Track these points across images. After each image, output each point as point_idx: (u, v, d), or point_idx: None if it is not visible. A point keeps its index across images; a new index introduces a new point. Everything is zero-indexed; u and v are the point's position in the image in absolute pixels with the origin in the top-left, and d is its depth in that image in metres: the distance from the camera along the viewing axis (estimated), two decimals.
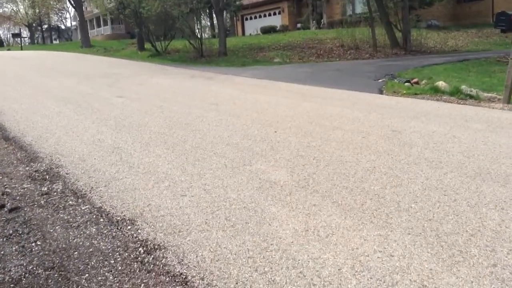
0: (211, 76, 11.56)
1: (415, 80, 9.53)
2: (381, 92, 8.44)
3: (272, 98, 7.76)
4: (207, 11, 28.18)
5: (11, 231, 2.95)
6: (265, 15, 34.89)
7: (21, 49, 32.41)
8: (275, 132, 5.25)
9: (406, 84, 9.18)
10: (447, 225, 2.74)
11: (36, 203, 3.44)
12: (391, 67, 12.08)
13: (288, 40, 21.39)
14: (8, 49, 37.19)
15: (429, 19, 22.41)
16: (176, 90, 9.05)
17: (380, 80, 10.02)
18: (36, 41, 63.13)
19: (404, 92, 8.12)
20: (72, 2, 36.68)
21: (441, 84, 8.09)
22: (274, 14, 33.93)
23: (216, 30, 22.70)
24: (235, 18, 37.08)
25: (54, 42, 66.58)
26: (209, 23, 34.36)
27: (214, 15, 26.72)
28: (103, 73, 12.67)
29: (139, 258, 2.52)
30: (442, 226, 2.72)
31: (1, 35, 67.83)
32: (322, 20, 28.88)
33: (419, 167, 3.82)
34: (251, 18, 36.22)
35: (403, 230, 2.69)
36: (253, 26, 34.85)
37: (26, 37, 59.45)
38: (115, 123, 5.92)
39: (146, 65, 16.04)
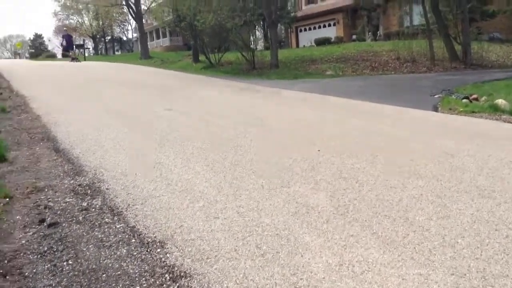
0: (260, 89, 11.55)
1: (474, 96, 9.03)
2: (436, 109, 8.05)
3: (319, 113, 7.60)
4: (261, 23, 28.37)
5: (46, 248, 2.99)
6: (319, 27, 34.68)
7: (84, 60, 34.09)
8: (318, 151, 5.09)
9: (464, 100, 8.71)
10: (495, 265, 2.48)
11: (74, 218, 3.49)
12: (449, 82, 11.54)
13: (342, 52, 21.09)
14: (72, 59, 39.19)
15: (491, 31, 21.29)
16: (224, 103, 9.09)
17: (436, 96, 9.58)
18: (99, 51, 66.31)
19: (461, 109, 7.69)
20: (133, 15, 38.20)
21: (501, 102, 7.59)
22: (329, 25, 33.64)
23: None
24: (289, 29, 37.15)
25: (116, 53, 69.61)
26: (262, 35, 34.62)
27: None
28: (157, 84, 13.00)
29: (164, 286, 2.46)
30: (489, 267, 2.47)
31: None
32: (378, 32, 28.28)
33: (469, 196, 3.54)
34: (305, 30, 36.14)
35: (446, 270, 2.46)
36: (307, 38, 34.73)
37: (89, 48, 62.55)
38: (160, 137, 5.99)
39: (198, 77, 16.32)
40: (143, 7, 36.48)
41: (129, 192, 3.90)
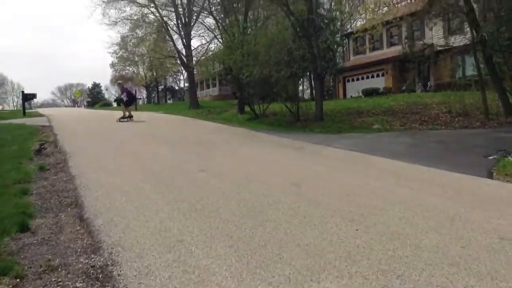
0: (301, 146, 11.16)
1: None
2: (490, 175, 7.32)
3: (361, 179, 7.07)
4: (308, 74, 28.40)
5: None
6: (367, 77, 34.39)
7: (136, 110, 35.21)
8: (357, 230, 4.57)
9: None
10: None
11: None
12: (504, 140, 10.68)
13: (390, 104, 20.51)
14: None
15: None
16: (261, 163, 8.75)
17: (490, 157, 8.80)
18: (152, 100, 68.98)
19: None
20: (184, 67, 39.57)
21: None
22: (377, 76, 33.30)
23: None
24: (336, 80, 37.04)
25: (168, 101, 72.18)
26: (309, 86, 34.69)
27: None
28: (197, 140, 12.93)
29: None
30: None
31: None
32: (428, 83, 27.54)
33: None
34: (352, 80, 35.92)
35: None
36: (354, 88, 34.45)
37: (140, 99, 65.23)
38: (188, 206, 5.68)
39: (240, 131, 16.18)
40: (194, 58, 37.70)
41: (141, 281, 3.54)
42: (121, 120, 20.70)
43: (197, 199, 5.96)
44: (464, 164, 8.09)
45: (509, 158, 8.53)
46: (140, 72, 64.33)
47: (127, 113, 21.13)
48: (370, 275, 3.51)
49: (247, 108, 23.35)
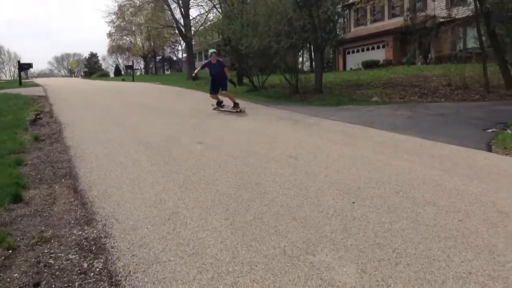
0: (299, 118, 11.04)
1: None
2: (489, 148, 7.25)
3: (359, 152, 7.00)
4: (307, 45, 27.98)
5: None
6: (368, 49, 34.00)
7: (133, 80, 34.93)
8: (353, 203, 4.53)
9: None
10: None
11: (70, 285, 3.13)
12: (504, 113, 10.55)
13: (390, 76, 20.34)
14: (123, 79, 40.36)
15: None
16: (259, 136, 8.65)
17: (489, 130, 8.72)
18: (150, 71, 68.31)
19: None
20: (182, 37, 38.93)
21: None
22: (378, 47, 32.91)
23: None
24: (336, 51, 36.61)
25: (166, 72, 71.47)
26: (309, 58, 34.29)
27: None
28: (194, 112, 12.80)
29: None
30: None
31: (120, 65, 74.70)
32: (429, 55, 27.21)
33: None
34: (353, 52, 35.51)
35: None
36: (354, 60, 34.09)
37: (137, 69, 64.59)
38: (184, 178, 5.62)
39: (238, 103, 15.99)
40: (192, 28, 37.08)
41: (135, 253, 3.51)
42: (217, 108, 13.41)
43: (193, 171, 5.91)
44: (463, 137, 8.01)
45: (508, 131, 8.45)
46: (138, 42, 63.44)
47: (221, 98, 13.56)
48: (366, 248, 3.48)
49: (245, 80, 23.08)
